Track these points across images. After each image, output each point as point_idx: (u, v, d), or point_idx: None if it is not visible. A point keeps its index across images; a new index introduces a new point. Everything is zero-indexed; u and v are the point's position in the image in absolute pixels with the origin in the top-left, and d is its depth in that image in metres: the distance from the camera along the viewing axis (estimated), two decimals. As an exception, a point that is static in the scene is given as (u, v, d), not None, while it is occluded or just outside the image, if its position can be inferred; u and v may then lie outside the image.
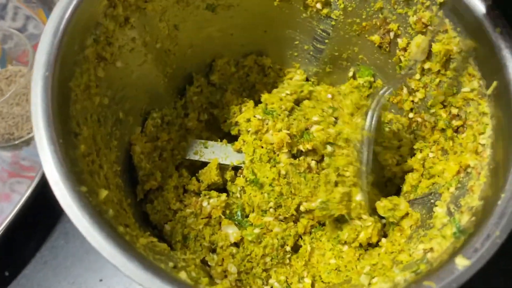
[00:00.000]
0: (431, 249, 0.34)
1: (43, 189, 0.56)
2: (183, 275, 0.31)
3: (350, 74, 0.55)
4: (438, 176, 0.43)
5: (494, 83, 0.38)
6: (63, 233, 0.60)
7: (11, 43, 0.61)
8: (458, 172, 0.40)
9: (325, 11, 0.50)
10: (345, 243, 0.46)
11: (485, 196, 0.35)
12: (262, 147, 0.48)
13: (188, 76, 0.56)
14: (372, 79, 0.53)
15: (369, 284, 0.36)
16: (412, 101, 0.48)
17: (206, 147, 0.53)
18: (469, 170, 0.39)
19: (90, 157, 0.36)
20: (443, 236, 0.35)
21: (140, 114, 0.50)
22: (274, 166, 0.47)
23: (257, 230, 0.47)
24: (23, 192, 0.55)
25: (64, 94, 0.34)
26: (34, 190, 0.55)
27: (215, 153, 0.52)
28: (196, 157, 0.52)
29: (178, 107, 0.54)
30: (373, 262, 0.42)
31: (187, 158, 0.52)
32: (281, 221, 0.48)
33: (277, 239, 0.47)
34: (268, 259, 0.46)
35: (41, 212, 0.59)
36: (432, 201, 0.42)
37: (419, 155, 0.47)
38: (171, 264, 0.33)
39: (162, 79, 0.51)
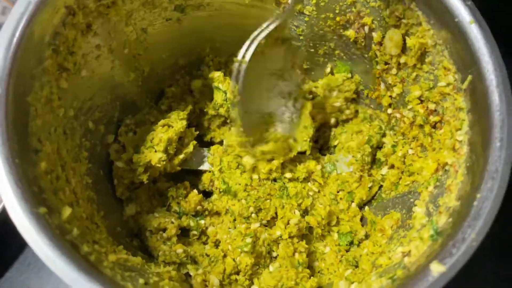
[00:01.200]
0: (409, 253, 0.34)
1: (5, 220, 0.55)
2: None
3: (328, 70, 0.53)
4: (418, 174, 0.42)
5: (469, 77, 0.37)
6: (24, 265, 0.58)
7: None
8: (437, 170, 0.39)
9: (297, 7, 0.48)
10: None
11: (462, 195, 0.34)
12: (228, 154, 0.47)
13: (164, 78, 0.55)
14: (349, 74, 0.52)
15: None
16: (390, 96, 0.47)
17: None
18: (447, 167, 0.38)
19: (53, 174, 0.34)
20: (421, 238, 0.34)
21: (113, 122, 0.49)
22: (245, 171, 0.46)
23: (249, 240, 0.45)
24: None
25: (21, 110, 0.33)
26: None
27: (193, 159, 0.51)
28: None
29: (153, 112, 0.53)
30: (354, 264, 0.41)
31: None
32: (265, 225, 0.47)
33: (264, 246, 0.46)
34: (255, 268, 0.45)
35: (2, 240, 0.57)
36: (411, 200, 0.41)
37: (399, 152, 0.46)
38: (141, 281, 0.32)
39: (135, 84, 0.50)
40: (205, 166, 0.51)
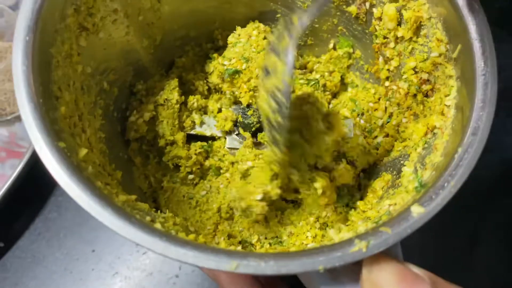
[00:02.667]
0: (395, 204, 0.36)
1: (36, 164, 0.58)
2: (158, 225, 0.33)
3: (331, 45, 0.56)
4: (409, 139, 0.44)
5: (459, 46, 0.39)
6: (56, 206, 0.63)
7: (1, 20, 0.63)
8: (426, 133, 0.42)
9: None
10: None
11: (447, 152, 0.36)
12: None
13: (174, 49, 0.58)
14: (351, 50, 0.54)
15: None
16: (388, 69, 0.50)
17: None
18: (435, 131, 0.41)
19: (71, 120, 0.38)
20: (406, 191, 0.37)
21: (125, 86, 0.52)
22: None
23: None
24: (16, 166, 0.57)
25: (45, 59, 0.36)
26: (27, 164, 0.57)
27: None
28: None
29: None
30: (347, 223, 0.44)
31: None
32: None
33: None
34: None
35: (34, 185, 0.61)
36: (402, 162, 0.44)
37: (393, 121, 0.49)
38: (148, 218, 0.35)
39: (147, 51, 0.53)
40: (215, 132, 0.54)
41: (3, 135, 0.63)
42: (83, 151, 0.35)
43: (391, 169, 0.46)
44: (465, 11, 0.38)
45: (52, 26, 0.37)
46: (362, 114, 0.53)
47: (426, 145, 0.41)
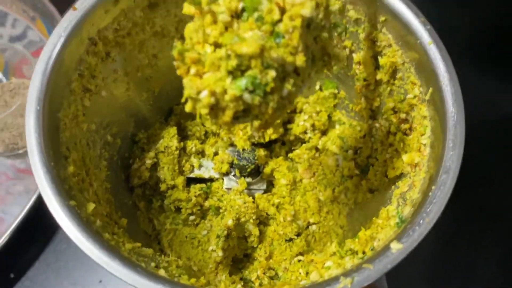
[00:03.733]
0: (378, 240, 0.39)
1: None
2: (161, 272, 0.37)
3: (317, 87, 0.60)
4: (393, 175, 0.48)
5: (430, 89, 0.43)
6: (65, 238, 0.63)
7: (10, 51, 0.67)
8: (407, 170, 0.45)
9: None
10: None
11: (423, 189, 0.39)
12: None
13: (172, 97, 0.62)
14: (336, 90, 0.58)
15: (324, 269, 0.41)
16: (370, 109, 0.54)
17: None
18: (415, 167, 0.44)
19: (79, 176, 0.41)
20: (389, 226, 0.40)
21: (127, 136, 0.56)
22: None
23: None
24: (27, 199, 0.60)
25: (54, 123, 0.40)
26: (37, 199, 0.60)
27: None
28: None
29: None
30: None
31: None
32: None
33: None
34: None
35: (44, 217, 0.63)
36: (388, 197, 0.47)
37: (379, 157, 0.52)
38: (152, 264, 0.39)
39: (146, 103, 0.57)
40: (213, 173, 0.58)
41: (15, 167, 0.67)
42: (91, 206, 0.39)
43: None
44: (433, 56, 0.42)
45: (59, 92, 0.42)
46: (355, 151, 0.57)
47: (407, 181, 0.44)
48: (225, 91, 0.29)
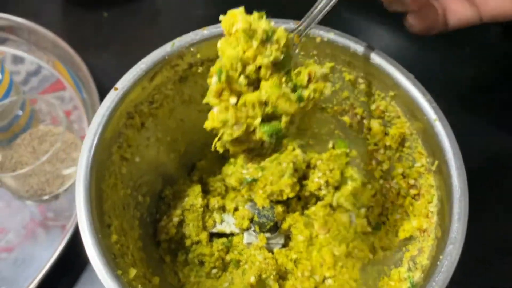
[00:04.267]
0: (392, 301, 0.43)
1: (72, 239, 0.63)
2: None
3: (330, 145, 0.65)
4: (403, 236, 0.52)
5: (436, 162, 0.47)
6: (89, 281, 0.66)
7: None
8: (416, 233, 0.49)
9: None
10: None
11: (432, 256, 0.44)
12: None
13: (195, 154, 0.66)
14: (347, 150, 0.63)
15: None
16: (381, 169, 0.58)
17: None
18: (423, 232, 0.48)
19: (120, 242, 0.46)
20: (401, 290, 0.44)
21: (156, 193, 0.61)
22: None
23: None
24: (55, 245, 0.63)
25: (98, 195, 0.45)
26: (66, 244, 0.62)
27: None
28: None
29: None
30: None
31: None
32: None
33: None
34: None
35: (69, 261, 0.64)
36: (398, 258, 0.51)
37: (389, 217, 0.56)
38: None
39: (173, 162, 0.62)
40: (234, 229, 0.62)
41: (39, 213, 0.70)
42: (133, 272, 0.43)
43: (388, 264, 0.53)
44: (438, 132, 0.47)
45: (102, 166, 0.46)
46: (367, 209, 0.61)
47: (417, 245, 0.48)
48: (253, 130, 0.36)
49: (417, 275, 0.43)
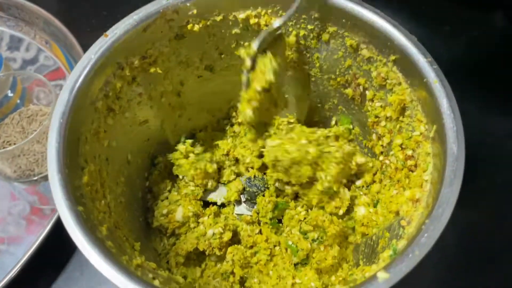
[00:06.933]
0: (371, 270, 0.40)
1: (59, 226, 0.62)
2: (156, 282, 0.38)
3: (333, 122, 0.62)
4: (398, 210, 0.48)
5: (434, 127, 0.44)
6: (78, 265, 0.64)
7: (24, 75, 0.71)
8: (410, 206, 0.45)
9: (305, 68, 0.58)
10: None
11: (419, 223, 0.40)
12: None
13: (194, 125, 0.65)
14: (350, 126, 0.60)
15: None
16: (381, 145, 0.54)
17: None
18: (416, 203, 0.44)
19: (93, 187, 0.44)
20: (383, 259, 0.40)
21: (148, 156, 0.59)
22: None
23: None
24: (42, 226, 0.61)
25: (75, 136, 0.44)
26: (52, 227, 0.60)
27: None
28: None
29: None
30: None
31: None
32: None
33: None
34: None
35: (57, 245, 0.61)
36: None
37: (386, 193, 0.52)
38: (150, 275, 0.40)
39: (168, 127, 0.61)
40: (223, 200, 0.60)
41: (29, 195, 0.68)
42: (99, 215, 0.42)
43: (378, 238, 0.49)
44: (438, 94, 0.43)
45: (83, 109, 0.45)
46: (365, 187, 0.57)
47: (408, 217, 0.44)
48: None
49: (401, 244, 0.39)
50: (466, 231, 0.63)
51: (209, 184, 0.60)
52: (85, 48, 0.47)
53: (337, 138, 0.59)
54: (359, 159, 0.55)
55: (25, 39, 0.84)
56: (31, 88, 0.73)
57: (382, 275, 0.35)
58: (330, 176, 0.52)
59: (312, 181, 0.54)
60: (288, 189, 0.55)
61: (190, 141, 0.60)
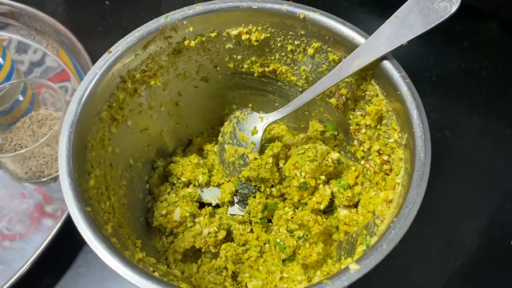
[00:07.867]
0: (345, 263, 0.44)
1: (67, 225, 0.65)
2: (156, 274, 0.43)
3: (321, 128, 0.67)
4: (374, 211, 0.53)
5: (406, 135, 0.49)
6: (85, 262, 0.68)
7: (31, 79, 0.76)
8: (384, 206, 0.50)
9: (293, 79, 0.63)
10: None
11: (389, 221, 0.44)
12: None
13: (191, 130, 0.70)
14: (335, 132, 0.65)
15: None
16: (362, 150, 0.59)
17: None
18: (389, 203, 0.49)
19: (99, 190, 0.49)
20: (357, 254, 0.45)
21: (148, 161, 0.64)
22: None
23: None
24: (51, 225, 0.66)
25: (82, 144, 0.49)
26: (61, 226, 0.65)
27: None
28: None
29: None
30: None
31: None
32: None
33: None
34: None
35: (65, 242, 0.66)
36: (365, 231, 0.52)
37: (365, 194, 0.57)
38: (151, 269, 0.45)
39: (168, 134, 0.66)
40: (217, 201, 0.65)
41: (38, 195, 0.73)
42: (105, 215, 0.47)
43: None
44: (409, 106, 0.48)
45: (90, 119, 0.50)
46: (348, 187, 0.62)
47: (382, 216, 0.49)
48: None
49: (374, 240, 0.44)
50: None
51: (200, 178, 0.64)
52: (91, 55, 0.52)
53: (310, 139, 0.64)
54: (333, 155, 0.61)
55: (33, 44, 0.90)
56: (39, 91, 0.78)
57: (353, 267, 0.39)
58: (304, 172, 0.57)
59: (290, 179, 0.59)
60: (273, 190, 0.60)
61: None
